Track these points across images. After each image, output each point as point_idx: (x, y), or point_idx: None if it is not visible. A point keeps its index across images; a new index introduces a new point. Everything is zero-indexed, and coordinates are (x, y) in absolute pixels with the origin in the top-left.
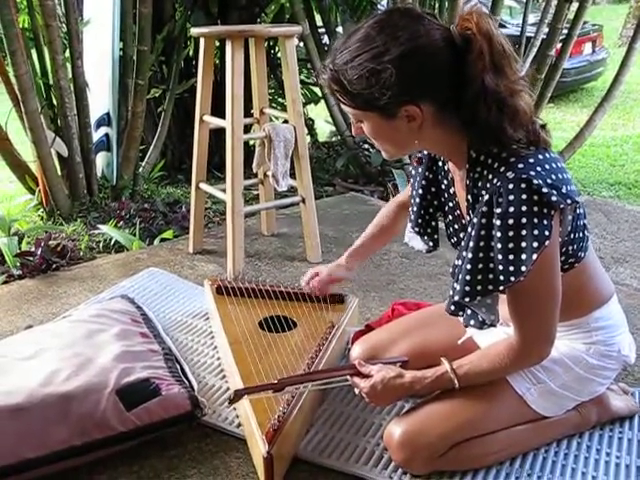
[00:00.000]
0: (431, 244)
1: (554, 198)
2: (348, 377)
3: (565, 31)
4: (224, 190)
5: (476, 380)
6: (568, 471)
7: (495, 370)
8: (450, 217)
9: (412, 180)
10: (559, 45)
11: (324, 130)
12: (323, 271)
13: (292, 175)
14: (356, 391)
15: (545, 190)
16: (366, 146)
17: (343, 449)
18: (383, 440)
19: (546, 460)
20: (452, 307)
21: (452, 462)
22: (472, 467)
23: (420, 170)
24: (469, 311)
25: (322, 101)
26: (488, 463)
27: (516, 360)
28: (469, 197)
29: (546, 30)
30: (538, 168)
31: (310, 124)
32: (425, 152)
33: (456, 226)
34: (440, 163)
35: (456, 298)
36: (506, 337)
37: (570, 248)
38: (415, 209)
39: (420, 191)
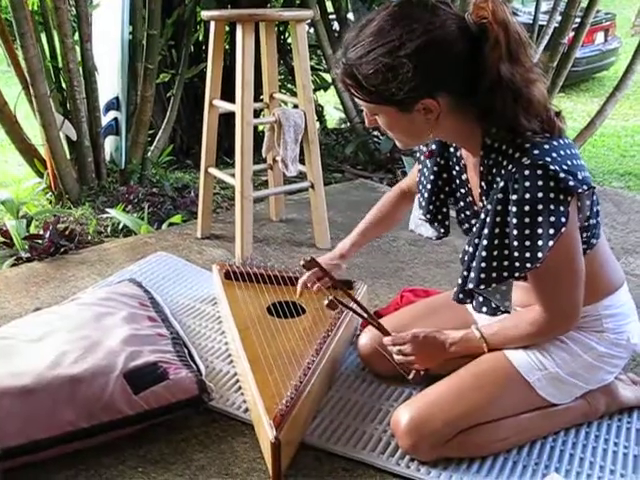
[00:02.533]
0: (442, 231)
1: (571, 183)
2: (385, 339)
3: (578, 20)
4: (233, 175)
5: (502, 344)
6: (576, 460)
7: (520, 338)
8: (462, 203)
9: (421, 167)
10: (571, 34)
11: (333, 117)
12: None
13: (301, 161)
14: (394, 349)
15: (562, 176)
16: (375, 133)
17: (350, 435)
18: (390, 426)
19: (554, 449)
20: (460, 295)
21: (459, 448)
22: (479, 454)
23: (430, 159)
24: (481, 298)
25: (332, 88)
26: (495, 450)
27: (540, 332)
28: (483, 184)
29: (559, 18)
30: (554, 154)
31: (319, 110)
32: (436, 140)
33: (468, 212)
34: (452, 149)
35: (470, 286)
36: (530, 308)
37: (584, 235)
38: (426, 195)
39: (431, 177)
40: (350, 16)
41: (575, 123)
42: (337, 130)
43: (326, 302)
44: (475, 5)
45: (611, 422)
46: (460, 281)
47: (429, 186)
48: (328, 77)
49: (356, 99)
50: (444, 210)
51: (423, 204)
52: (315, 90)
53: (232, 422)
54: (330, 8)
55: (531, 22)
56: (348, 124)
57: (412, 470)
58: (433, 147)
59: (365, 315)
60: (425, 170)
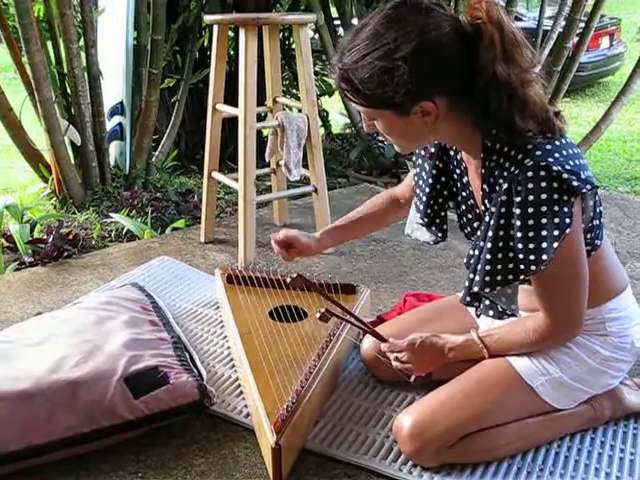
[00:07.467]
0: (440, 235)
1: (575, 183)
2: (382, 345)
3: (582, 24)
4: (236, 179)
5: (504, 350)
6: (581, 467)
7: (522, 345)
8: (463, 207)
9: (418, 170)
10: (576, 38)
11: (338, 122)
12: (293, 235)
13: (305, 165)
14: (390, 356)
15: (565, 176)
16: (380, 138)
17: (352, 441)
18: (393, 431)
19: (559, 455)
20: (468, 298)
21: (462, 454)
22: (482, 459)
23: (430, 160)
24: (487, 301)
25: (336, 93)
26: (499, 455)
27: (542, 340)
28: (485, 186)
29: (563, 23)
30: (556, 154)
31: (324, 116)
32: (436, 142)
33: (470, 216)
34: (452, 152)
35: (475, 289)
36: (533, 315)
37: (588, 236)
38: (424, 199)
39: (430, 181)
40: (355, 22)
41: (581, 128)
42: (342, 135)
43: (318, 315)
44: (469, 6)
45: (617, 428)
46: (467, 284)
47: (427, 189)
48: (333, 82)
49: (353, 104)
50: (442, 214)
51: (421, 207)
52: (320, 96)
53: (233, 427)
54: (335, 13)
55: (535, 27)
56: (353, 129)
57: (415, 476)
58: (432, 150)
59: (359, 324)
60: (423, 173)
